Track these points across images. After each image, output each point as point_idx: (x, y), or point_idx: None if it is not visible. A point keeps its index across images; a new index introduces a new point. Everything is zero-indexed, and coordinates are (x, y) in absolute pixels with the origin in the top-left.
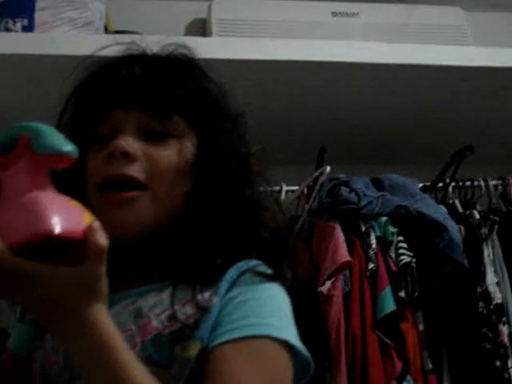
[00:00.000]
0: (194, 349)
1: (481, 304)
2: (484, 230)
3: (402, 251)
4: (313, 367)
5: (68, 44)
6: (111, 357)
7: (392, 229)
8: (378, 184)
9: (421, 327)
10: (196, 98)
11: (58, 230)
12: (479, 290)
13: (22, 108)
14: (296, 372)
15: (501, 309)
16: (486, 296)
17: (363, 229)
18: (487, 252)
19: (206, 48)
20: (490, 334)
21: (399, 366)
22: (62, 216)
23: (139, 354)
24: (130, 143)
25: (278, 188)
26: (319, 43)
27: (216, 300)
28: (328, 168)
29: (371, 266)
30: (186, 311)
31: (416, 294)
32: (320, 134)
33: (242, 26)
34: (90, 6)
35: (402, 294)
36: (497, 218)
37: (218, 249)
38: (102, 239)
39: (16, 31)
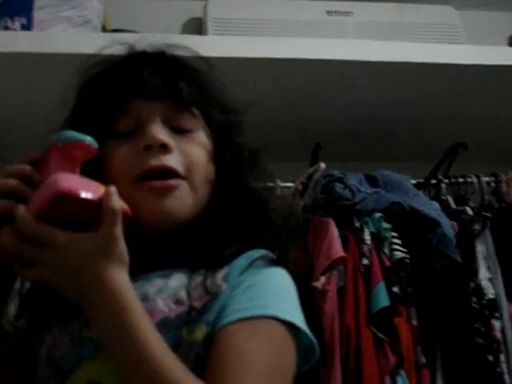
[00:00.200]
0: (200, 332)
1: (473, 299)
2: (477, 226)
3: (395, 247)
4: (317, 352)
5: (66, 42)
6: (131, 319)
7: (386, 225)
8: (371, 180)
9: (414, 322)
10: (207, 93)
11: (68, 188)
12: (472, 285)
13: (21, 106)
14: (299, 357)
15: (493, 304)
16: (479, 291)
17: (357, 225)
18: (480, 248)
19: (201, 46)
20: (483, 329)
21: (393, 360)
22: (78, 183)
23: None
24: (165, 134)
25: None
26: (314, 41)
27: (225, 287)
28: (322, 165)
29: (365, 261)
30: (193, 295)
31: (409, 289)
32: (314, 131)
33: (237, 24)
34: (88, 4)
35: (396, 289)
36: (489, 215)
37: (233, 235)
38: (117, 203)
39: (15, 30)
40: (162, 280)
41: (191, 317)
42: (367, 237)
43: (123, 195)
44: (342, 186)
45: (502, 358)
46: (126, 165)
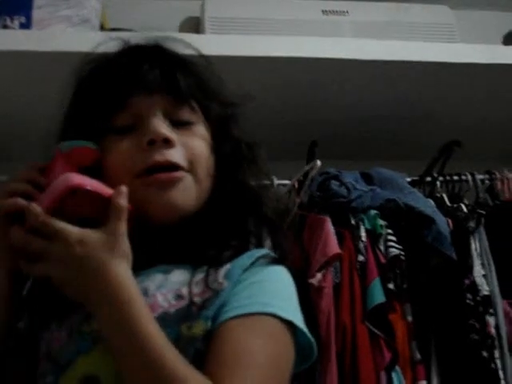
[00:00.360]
0: (199, 328)
1: (468, 296)
2: (471, 224)
3: (390, 244)
4: (315, 352)
5: (65, 41)
6: (132, 312)
7: (381, 222)
8: (367, 178)
9: (409, 318)
10: (204, 86)
11: (80, 183)
12: (467, 282)
13: (20, 104)
14: (297, 356)
15: (488, 300)
16: (474, 288)
17: (353, 222)
18: (474, 245)
19: (199, 45)
20: (478, 325)
21: (388, 356)
22: (88, 180)
23: None
24: (168, 129)
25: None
26: (310, 40)
27: (226, 284)
28: (318, 162)
29: (361, 258)
30: (193, 291)
31: (405, 285)
32: (311, 130)
33: (234, 24)
34: (86, 4)
35: (391, 285)
36: (484, 212)
37: (233, 231)
38: (124, 201)
39: (14, 28)
40: (163, 275)
41: (191, 312)
42: (363, 234)
43: (129, 190)
44: (337, 183)
45: (497, 354)
46: (129, 160)
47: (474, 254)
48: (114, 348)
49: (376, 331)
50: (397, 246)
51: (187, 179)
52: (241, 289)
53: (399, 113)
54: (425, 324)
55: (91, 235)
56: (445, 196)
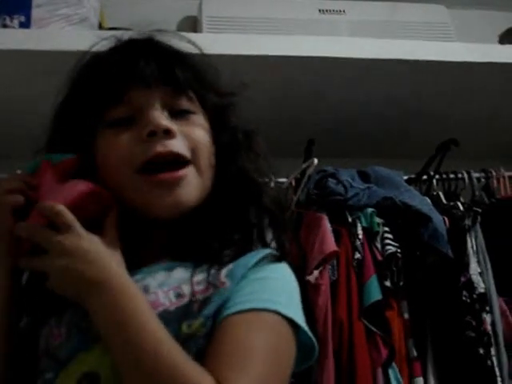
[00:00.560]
0: (199, 326)
1: (464, 293)
2: (467, 222)
3: (387, 241)
4: (317, 351)
5: (64, 40)
6: (135, 307)
7: (378, 220)
8: (364, 176)
9: (406, 316)
10: (201, 76)
11: (94, 187)
12: (463, 279)
13: (19, 102)
14: (298, 355)
15: (484, 298)
16: (470, 285)
17: (350, 220)
18: (470, 243)
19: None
20: (474, 323)
21: (385, 353)
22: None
23: None
24: (168, 120)
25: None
26: (307, 39)
27: (229, 283)
28: (316, 160)
29: (357, 255)
30: (195, 288)
31: (401, 283)
32: (308, 128)
33: (231, 23)
34: (85, 3)
35: (388, 283)
36: (480, 210)
37: (236, 223)
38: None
39: (13, 27)
40: (166, 273)
41: (191, 310)
42: (360, 231)
43: (127, 185)
44: (334, 181)
45: (493, 351)
46: (128, 153)
47: (470, 251)
48: (112, 344)
49: (373, 328)
50: (393, 243)
51: (190, 174)
52: (243, 285)
53: (396, 111)
54: (421, 321)
55: (96, 236)
56: (441, 194)
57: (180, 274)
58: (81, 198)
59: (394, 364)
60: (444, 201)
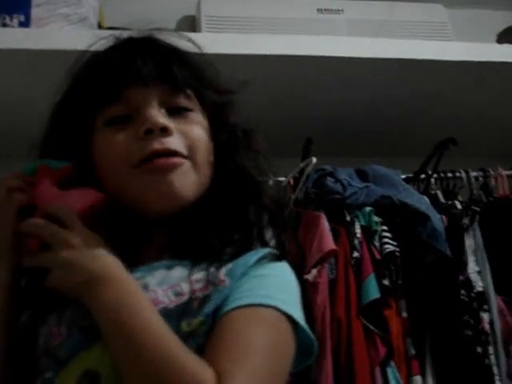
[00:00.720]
0: (198, 324)
1: (462, 292)
2: (465, 220)
3: (385, 240)
4: (316, 349)
5: (63, 39)
6: (138, 301)
7: (376, 218)
8: (362, 175)
9: (404, 314)
10: (199, 73)
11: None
12: (461, 278)
13: (18, 101)
14: (297, 354)
15: (482, 297)
16: (468, 284)
17: (348, 218)
18: (469, 241)
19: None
20: (472, 321)
21: (383, 351)
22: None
23: None
24: (165, 117)
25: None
26: (305, 38)
27: (228, 282)
28: (314, 159)
29: (356, 254)
30: (194, 287)
31: (399, 282)
32: (306, 127)
33: (230, 22)
34: (84, 2)
35: (386, 281)
36: (478, 209)
37: (235, 221)
38: None
39: (13, 27)
40: (164, 271)
41: (191, 308)
42: (358, 230)
43: (124, 180)
44: (333, 180)
45: (491, 350)
46: (125, 151)
47: (469, 250)
48: (112, 338)
49: (371, 327)
50: (392, 242)
51: (186, 165)
52: (243, 283)
53: (394, 110)
54: (419, 320)
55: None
56: (439, 193)
57: (179, 272)
58: (88, 209)
59: (392, 363)
60: (442, 200)
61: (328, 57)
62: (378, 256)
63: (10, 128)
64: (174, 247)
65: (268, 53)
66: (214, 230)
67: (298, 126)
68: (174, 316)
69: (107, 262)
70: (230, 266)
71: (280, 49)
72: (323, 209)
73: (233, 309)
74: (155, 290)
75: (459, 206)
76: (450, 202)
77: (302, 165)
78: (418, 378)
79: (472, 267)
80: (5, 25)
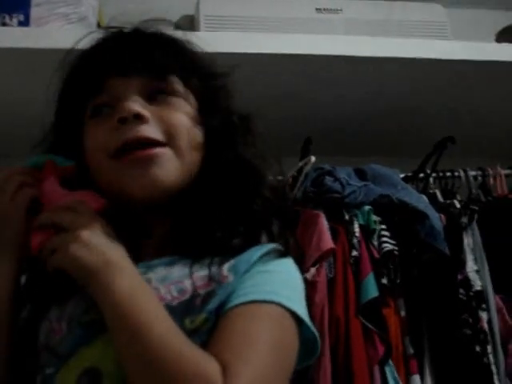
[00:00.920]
0: (201, 321)
1: (461, 291)
2: (464, 220)
3: (384, 239)
4: (319, 346)
5: (62, 38)
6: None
7: (375, 217)
8: (360, 174)
9: (402, 313)
10: (185, 59)
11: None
12: (460, 277)
13: (18, 100)
14: (300, 350)
15: (480, 296)
16: (466, 283)
17: (347, 217)
18: (467, 240)
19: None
20: (470, 320)
21: (381, 350)
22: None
23: None
24: (140, 105)
25: None
26: (304, 37)
27: (232, 278)
28: (313, 158)
29: (354, 253)
30: (197, 283)
31: (398, 280)
32: (305, 125)
33: (229, 21)
34: (84, 1)
35: (385, 280)
36: (476, 208)
37: (236, 216)
38: None
39: (12, 26)
40: (166, 267)
41: (194, 305)
42: (356, 229)
43: (105, 172)
44: (332, 179)
45: (489, 348)
46: (103, 141)
47: (467, 249)
48: (117, 328)
49: (369, 325)
50: (390, 241)
51: (167, 154)
52: (247, 279)
53: (392, 109)
54: (418, 319)
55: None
56: (438, 192)
57: (181, 268)
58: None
59: (390, 361)
60: (441, 199)
61: (327, 56)
62: (376, 255)
63: (10, 127)
64: (175, 243)
65: (267, 52)
66: (213, 220)
67: (297, 126)
68: (177, 313)
69: (122, 252)
70: (232, 261)
71: (279, 48)
72: (322, 207)
73: (237, 305)
74: (157, 286)
75: (458, 205)
76: (448, 201)
77: (300, 164)
78: (416, 377)
79: (470, 266)
80: (4, 24)
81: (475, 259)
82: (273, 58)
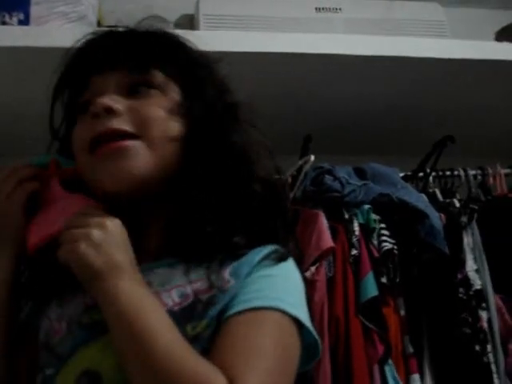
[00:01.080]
0: (204, 327)
1: (461, 290)
2: (464, 219)
3: (384, 238)
4: (320, 350)
5: (62, 37)
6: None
7: (374, 216)
8: (360, 173)
9: (402, 312)
10: (171, 51)
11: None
12: (459, 276)
13: (18, 99)
14: (302, 355)
15: (480, 295)
16: (466, 282)
17: (346, 216)
18: (467, 240)
19: (193, 41)
20: (470, 320)
21: (381, 349)
22: None
23: None
24: (112, 99)
25: None
26: (304, 36)
27: (233, 282)
28: (312, 157)
29: (354, 252)
30: (197, 288)
31: (398, 280)
32: (304, 124)
33: (228, 21)
34: (84, 0)
35: (384, 279)
36: (476, 207)
37: (226, 212)
38: None
39: (12, 25)
40: (166, 271)
41: (196, 311)
42: (356, 228)
43: (84, 168)
44: (331, 178)
45: (489, 348)
46: (80, 137)
47: (467, 248)
48: (120, 337)
49: (369, 324)
50: (390, 240)
51: (137, 146)
52: (249, 283)
53: (392, 108)
54: (418, 318)
55: None
56: (437, 191)
57: (181, 272)
58: None
59: (390, 360)
60: (440, 198)
61: (326, 55)
62: (376, 254)
63: (9, 126)
64: (174, 245)
65: (266, 51)
66: (203, 213)
67: (296, 124)
68: (178, 319)
69: (130, 256)
70: (234, 264)
71: (278, 47)
72: (321, 206)
73: (240, 312)
74: (158, 290)
75: (457, 205)
76: (448, 201)
77: (300, 162)
78: (416, 377)
79: (470, 265)
80: (4, 23)
81: (475, 258)
82: (272, 57)
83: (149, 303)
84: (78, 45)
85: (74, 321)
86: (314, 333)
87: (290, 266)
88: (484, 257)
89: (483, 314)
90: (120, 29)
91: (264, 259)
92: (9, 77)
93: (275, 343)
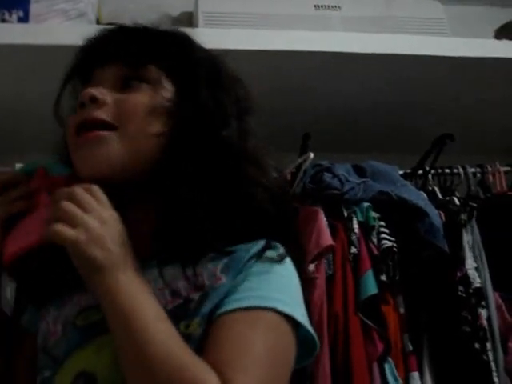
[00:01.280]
0: (196, 325)
1: (460, 288)
2: (463, 216)
3: (383, 236)
4: (318, 346)
5: (62, 34)
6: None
7: (374, 214)
8: (359, 171)
9: (401, 310)
10: (168, 48)
11: None
12: (459, 274)
13: (18, 96)
14: (299, 351)
15: (480, 293)
16: (466, 280)
17: (346, 214)
18: (466, 237)
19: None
20: (470, 317)
21: (380, 347)
22: None
23: None
24: (100, 90)
25: None
26: (303, 34)
27: (225, 279)
28: (311, 154)
29: (353, 250)
30: (189, 286)
31: (397, 277)
32: (303, 122)
33: (227, 18)
34: None
35: (384, 277)
36: (475, 205)
37: (211, 205)
38: None
39: (12, 22)
40: (159, 268)
41: (188, 309)
42: (355, 226)
43: (71, 153)
44: (330, 175)
45: (489, 345)
46: (70, 124)
47: (466, 246)
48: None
49: (368, 322)
50: (389, 238)
51: (109, 137)
52: (241, 280)
53: (391, 106)
54: (417, 316)
55: None
56: (437, 189)
57: (173, 269)
58: None
59: (389, 358)
60: (440, 196)
61: (325, 52)
62: (375, 252)
63: (8, 123)
64: (164, 244)
65: (266, 48)
66: (186, 206)
67: (295, 122)
68: (172, 318)
69: (130, 252)
70: (225, 260)
71: (277, 44)
72: (321, 204)
73: (231, 311)
74: (151, 288)
75: (457, 202)
76: (447, 198)
77: (299, 160)
78: (415, 375)
79: (470, 263)
80: (4, 20)
81: (474, 256)
82: (271, 54)
83: (146, 299)
84: (86, 40)
85: (69, 322)
86: (311, 330)
87: (285, 263)
88: (483, 255)
89: (483, 312)
90: (125, 25)
91: (256, 255)
92: (8, 74)
93: (267, 344)
